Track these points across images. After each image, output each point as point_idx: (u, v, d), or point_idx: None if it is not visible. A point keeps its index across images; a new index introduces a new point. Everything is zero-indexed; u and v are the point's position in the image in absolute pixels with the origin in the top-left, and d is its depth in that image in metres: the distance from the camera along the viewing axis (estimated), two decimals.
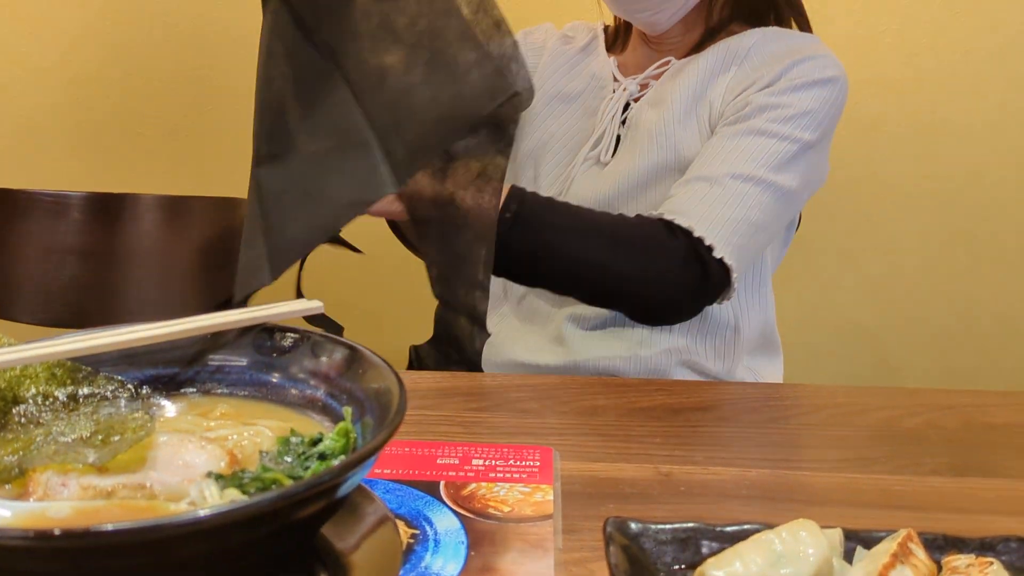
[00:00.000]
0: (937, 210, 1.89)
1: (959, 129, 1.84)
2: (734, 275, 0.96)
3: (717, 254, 0.94)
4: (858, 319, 1.95)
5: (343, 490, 0.45)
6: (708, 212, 0.95)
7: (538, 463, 0.74)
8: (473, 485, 0.70)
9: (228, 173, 1.85)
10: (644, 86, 1.12)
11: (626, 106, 1.11)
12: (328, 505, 0.46)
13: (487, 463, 0.74)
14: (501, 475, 0.72)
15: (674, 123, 1.05)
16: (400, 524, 0.64)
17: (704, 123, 1.05)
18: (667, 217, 0.95)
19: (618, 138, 1.10)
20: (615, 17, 1.19)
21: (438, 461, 0.74)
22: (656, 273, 0.94)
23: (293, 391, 0.59)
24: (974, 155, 1.86)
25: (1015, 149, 1.86)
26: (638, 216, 0.97)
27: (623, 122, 1.10)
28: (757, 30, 1.09)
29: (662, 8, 1.05)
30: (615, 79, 1.14)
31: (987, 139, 1.85)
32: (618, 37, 1.19)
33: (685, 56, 1.11)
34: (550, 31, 1.23)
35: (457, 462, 0.74)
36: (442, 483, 0.70)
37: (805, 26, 1.13)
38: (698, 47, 1.11)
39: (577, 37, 1.20)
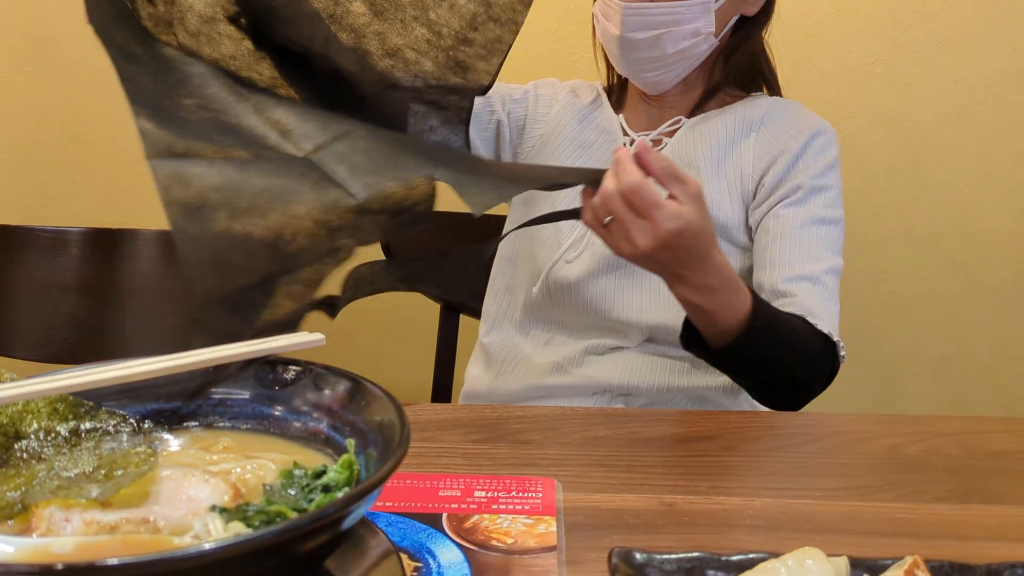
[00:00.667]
0: (930, 239, 1.90)
1: (950, 159, 1.86)
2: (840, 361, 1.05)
3: (841, 352, 1.04)
4: (855, 349, 1.95)
5: (347, 522, 0.45)
6: (826, 312, 1.04)
7: (541, 494, 0.74)
8: (476, 517, 0.70)
9: None
10: (656, 142, 1.17)
11: None
12: (332, 538, 0.46)
13: (489, 495, 0.74)
14: (504, 507, 0.72)
15: (704, 183, 1.09)
16: (403, 557, 0.64)
17: (735, 186, 1.12)
18: (810, 321, 1.01)
19: None
20: (609, 77, 1.23)
21: (440, 493, 0.74)
22: (819, 378, 1.02)
23: (296, 424, 0.58)
24: (966, 184, 1.87)
25: (1007, 178, 1.87)
26: (806, 323, 1.01)
27: None
28: (764, 99, 1.18)
29: (669, 69, 1.10)
30: (625, 132, 1.19)
31: (978, 168, 1.87)
32: (613, 94, 1.23)
33: (691, 115, 1.17)
34: (557, 84, 1.27)
35: (459, 494, 0.74)
36: (444, 515, 0.70)
37: (777, 91, 1.22)
38: (699, 106, 1.17)
39: (582, 93, 1.24)
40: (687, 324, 0.94)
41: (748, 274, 1.12)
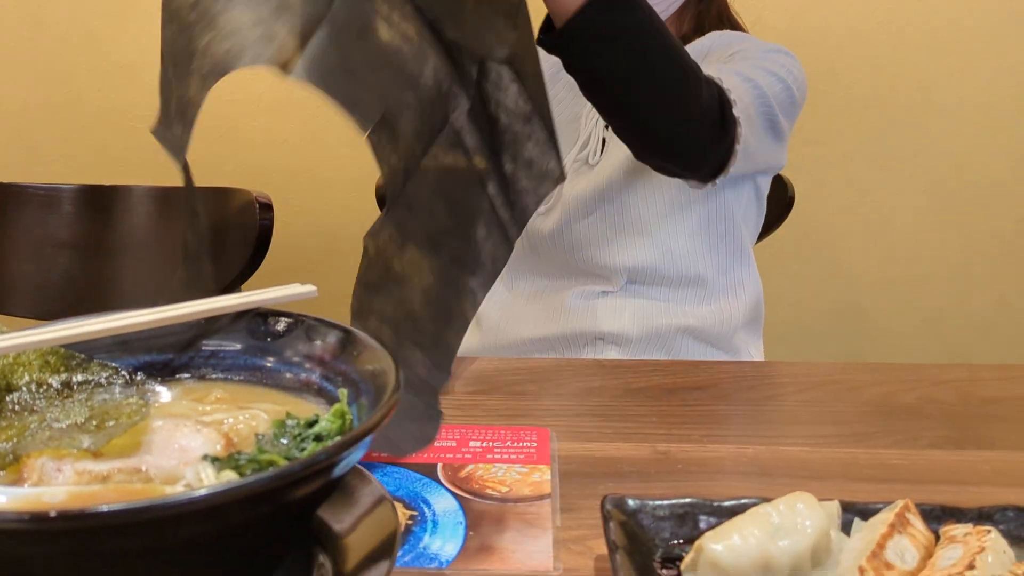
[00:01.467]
0: (930, 190, 1.89)
1: (951, 110, 1.84)
2: (739, 137, 0.99)
3: (735, 111, 0.98)
4: (853, 300, 1.95)
5: (339, 470, 0.45)
6: (731, 81, 1.01)
7: (535, 444, 0.74)
8: (471, 466, 0.70)
9: (221, 164, 1.85)
10: None
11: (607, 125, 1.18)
12: (324, 485, 0.46)
13: (484, 445, 0.74)
14: (499, 456, 0.72)
15: None
16: (398, 506, 0.64)
17: None
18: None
19: (603, 140, 1.16)
20: None
21: (436, 443, 0.74)
22: (699, 107, 0.95)
23: (288, 375, 0.58)
24: (966, 136, 1.86)
25: (1008, 128, 1.86)
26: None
27: (607, 126, 1.16)
28: (712, 33, 1.18)
29: None
30: None
31: (980, 119, 1.85)
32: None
33: None
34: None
35: (455, 444, 0.74)
36: (440, 465, 0.70)
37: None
38: None
39: None
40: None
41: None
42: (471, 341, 1.21)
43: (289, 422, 0.52)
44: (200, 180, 1.49)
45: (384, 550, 0.51)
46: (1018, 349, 1.93)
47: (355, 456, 0.46)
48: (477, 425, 0.77)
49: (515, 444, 0.74)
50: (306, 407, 0.56)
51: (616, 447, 0.74)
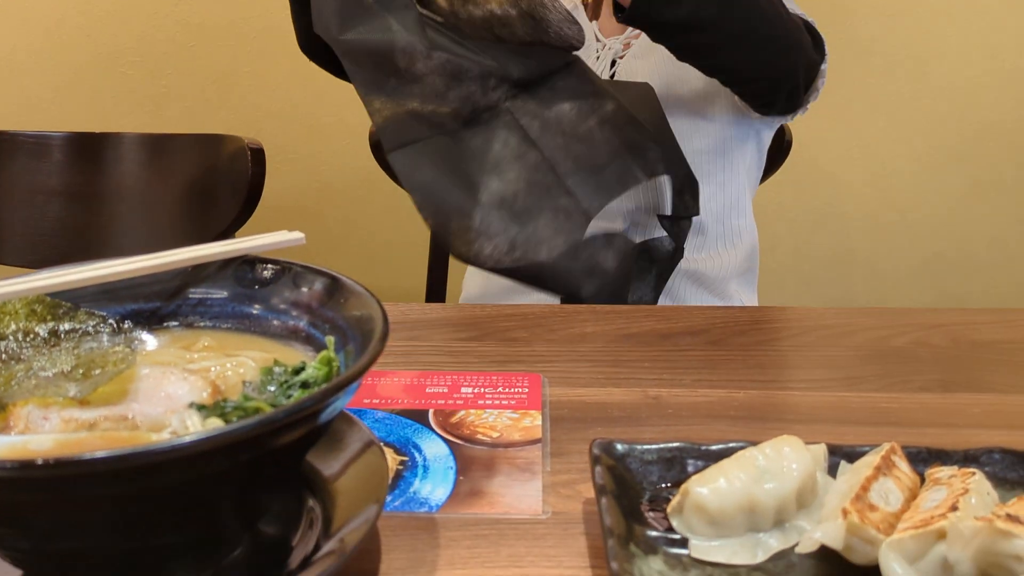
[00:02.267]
0: (931, 134, 1.87)
1: (953, 52, 1.82)
2: (823, 73, 1.04)
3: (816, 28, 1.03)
4: (851, 246, 1.95)
5: (324, 416, 0.45)
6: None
7: (526, 389, 0.74)
8: (462, 412, 0.71)
9: (213, 111, 1.83)
10: (627, 45, 1.18)
11: (612, 63, 1.18)
12: (311, 432, 0.46)
13: (476, 391, 0.74)
14: (490, 402, 0.72)
15: (670, 61, 1.06)
16: (389, 452, 0.65)
17: None
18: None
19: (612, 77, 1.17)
20: None
21: (427, 390, 0.74)
22: (797, 49, 1.00)
23: (276, 322, 0.58)
24: (968, 78, 1.84)
25: (1010, 71, 1.83)
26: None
27: (611, 76, 1.16)
28: None
29: None
30: (597, 39, 1.19)
31: (981, 61, 1.82)
32: (589, 7, 1.20)
33: None
34: None
35: (446, 390, 0.74)
36: (431, 411, 0.71)
37: None
38: None
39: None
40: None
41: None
42: (473, 286, 1.21)
43: (276, 369, 0.52)
44: (189, 127, 1.48)
45: (373, 494, 0.51)
46: (1014, 293, 1.93)
47: (341, 402, 0.46)
48: (469, 371, 0.77)
49: (506, 390, 0.74)
50: (294, 354, 0.56)
51: (607, 392, 0.75)
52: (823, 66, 1.05)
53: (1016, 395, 0.74)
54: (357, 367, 0.46)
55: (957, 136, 1.87)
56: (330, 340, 0.54)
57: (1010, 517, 0.46)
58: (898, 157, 1.88)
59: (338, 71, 1.03)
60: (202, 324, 0.59)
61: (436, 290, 1.40)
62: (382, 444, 0.65)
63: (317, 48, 1.03)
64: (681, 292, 1.14)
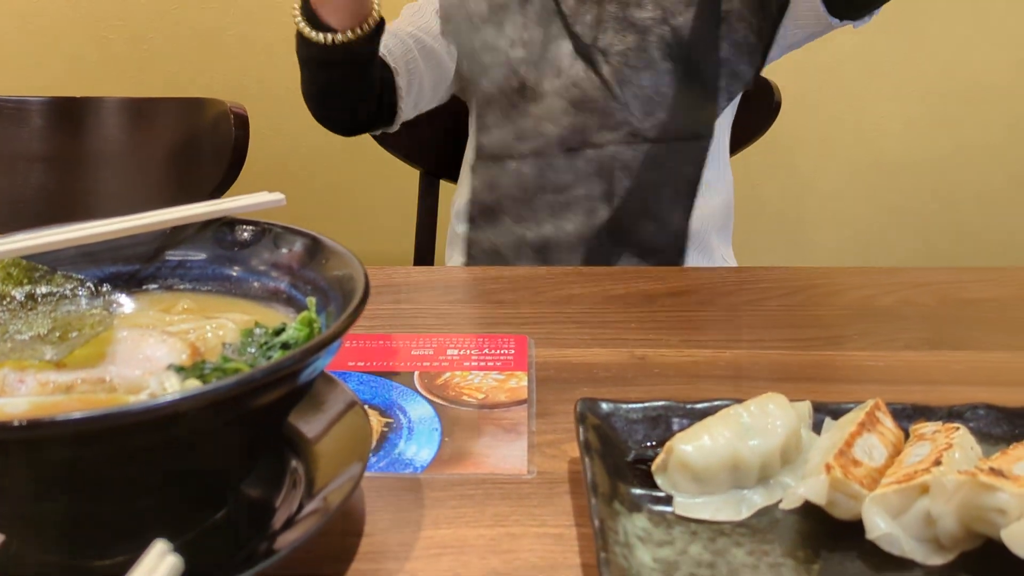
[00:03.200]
0: (921, 96, 1.86)
1: (943, 11, 1.80)
2: None
3: None
4: (840, 208, 1.94)
5: (304, 377, 0.45)
6: None
7: (513, 351, 0.74)
8: (447, 374, 0.70)
9: (195, 76, 1.81)
10: None
11: None
12: (291, 393, 0.46)
13: (462, 353, 0.74)
14: (476, 364, 0.72)
15: None
16: (374, 414, 0.64)
17: None
18: None
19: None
20: None
21: (412, 352, 0.74)
22: None
23: (256, 284, 0.58)
24: (959, 38, 1.82)
25: (1001, 31, 1.82)
26: None
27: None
28: None
29: None
30: None
31: (972, 21, 1.81)
32: None
33: None
34: None
35: (432, 352, 0.74)
36: (416, 373, 0.70)
37: None
38: None
39: None
40: None
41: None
42: (454, 263, 1.20)
43: (257, 331, 0.52)
44: (172, 91, 1.45)
45: (356, 453, 0.51)
46: (1001, 253, 1.93)
47: (321, 363, 0.46)
48: (455, 334, 0.77)
49: (492, 351, 0.74)
50: (275, 316, 0.56)
51: (594, 353, 0.74)
52: None
53: (1001, 352, 0.74)
54: (336, 327, 0.45)
55: (948, 96, 1.86)
56: (311, 301, 0.54)
57: (993, 471, 0.46)
58: (888, 118, 1.88)
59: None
60: (182, 287, 0.59)
61: (423, 256, 1.39)
62: (367, 406, 0.65)
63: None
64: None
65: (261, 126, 1.35)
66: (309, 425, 0.54)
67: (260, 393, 0.43)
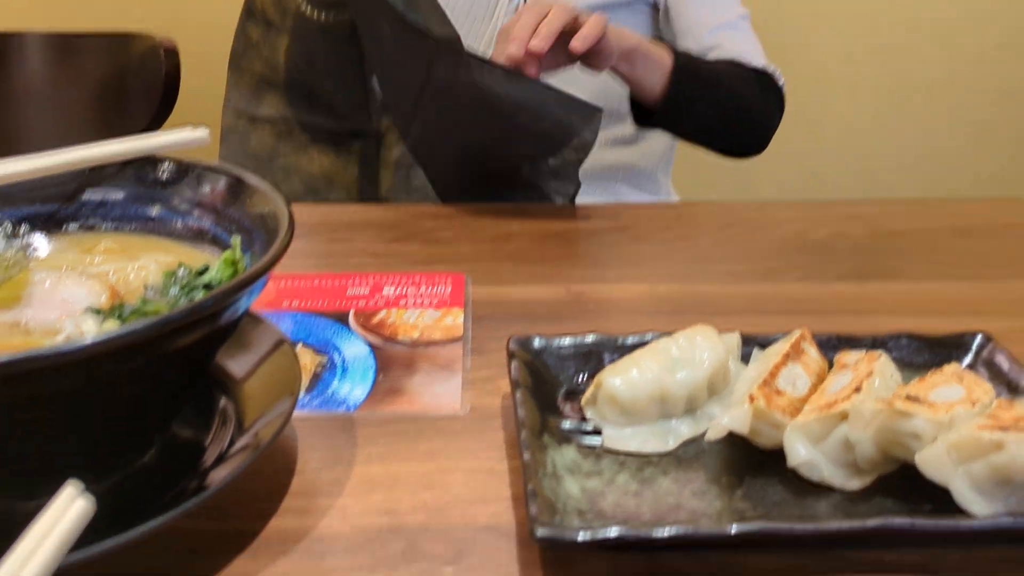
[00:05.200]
0: (865, 33, 1.86)
1: None
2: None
3: (779, 80, 1.08)
4: (781, 140, 1.95)
5: (225, 317, 0.44)
6: (752, 49, 1.08)
7: (449, 289, 0.74)
8: (383, 312, 0.70)
9: (127, 10, 1.74)
10: None
11: None
12: (216, 333, 0.45)
13: (398, 291, 0.73)
14: (412, 302, 0.72)
15: None
16: (308, 352, 0.64)
17: None
18: (740, 61, 1.06)
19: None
20: None
21: (348, 292, 0.73)
22: (768, 109, 1.08)
23: (180, 224, 0.56)
24: None
25: None
26: (734, 63, 1.06)
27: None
28: None
29: None
30: None
31: None
32: None
33: None
34: None
35: (368, 291, 0.73)
36: (352, 312, 0.70)
37: None
38: None
39: None
40: (632, 102, 0.99)
41: None
42: None
43: (179, 272, 0.51)
44: (101, 26, 1.39)
45: (287, 388, 0.51)
46: (937, 184, 1.97)
47: (243, 303, 0.45)
48: (391, 272, 0.76)
49: (429, 289, 0.74)
50: (200, 256, 0.54)
51: (530, 290, 0.74)
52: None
53: (928, 282, 0.76)
54: (256, 268, 0.44)
55: (895, 34, 1.87)
56: (236, 240, 0.53)
57: (909, 398, 0.47)
58: (832, 54, 1.88)
59: None
60: (103, 227, 0.57)
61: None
62: (301, 345, 0.65)
63: None
64: (613, 190, 1.13)
65: (194, 61, 1.31)
66: (238, 364, 0.53)
67: (179, 335, 0.42)
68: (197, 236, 0.56)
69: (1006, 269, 0.78)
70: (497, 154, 0.92)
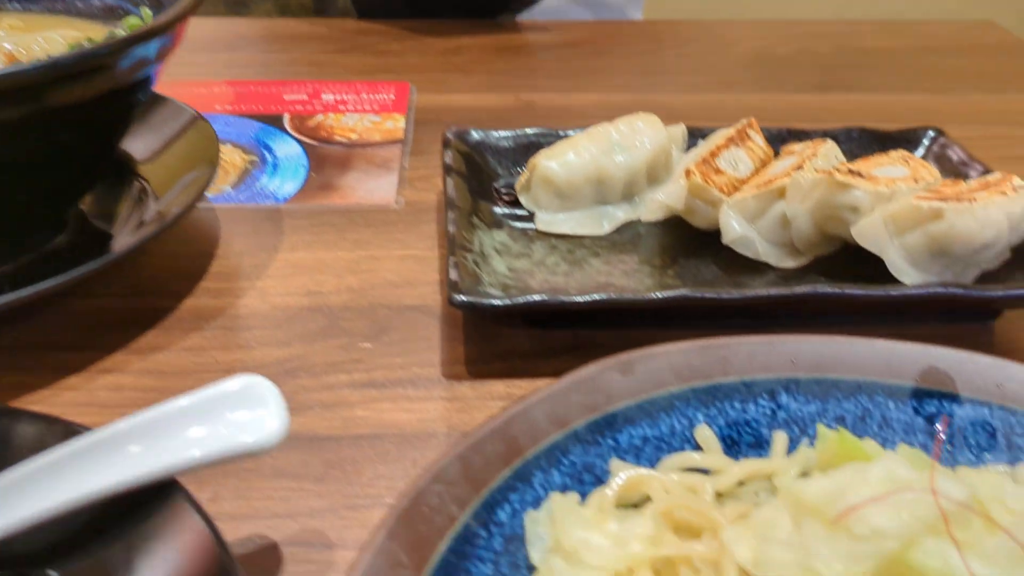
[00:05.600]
0: None
1: None
2: None
3: None
4: None
5: (121, 70, 0.41)
6: None
7: (393, 96, 0.71)
8: (320, 116, 0.67)
9: None
10: None
11: None
12: (112, 92, 0.42)
13: (337, 98, 0.70)
14: (352, 107, 0.69)
15: None
16: (236, 151, 0.61)
17: None
18: None
19: None
20: None
21: (285, 97, 0.70)
22: None
23: (92, 1, 0.53)
24: None
25: None
26: None
27: None
28: None
29: None
30: None
31: None
32: None
33: None
34: None
35: (306, 98, 0.70)
36: (287, 115, 0.67)
37: None
38: None
39: None
40: None
41: None
42: None
43: (85, 44, 0.47)
44: None
45: (204, 158, 0.48)
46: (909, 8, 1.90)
47: (140, 56, 0.42)
48: (332, 80, 0.73)
49: (371, 96, 0.71)
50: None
51: (479, 97, 0.71)
52: None
53: (890, 94, 0.73)
54: (159, 20, 0.41)
55: None
56: (147, 13, 0.49)
57: (851, 171, 0.45)
58: None
59: None
60: (9, 5, 0.53)
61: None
62: (230, 144, 0.62)
63: None
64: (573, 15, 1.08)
65: None
66: (152, 143, 0.51)
67: (71, 82, 0.39)
68: (108, 13, 0.52)
69: (971, 82, 0.76)
70: None
